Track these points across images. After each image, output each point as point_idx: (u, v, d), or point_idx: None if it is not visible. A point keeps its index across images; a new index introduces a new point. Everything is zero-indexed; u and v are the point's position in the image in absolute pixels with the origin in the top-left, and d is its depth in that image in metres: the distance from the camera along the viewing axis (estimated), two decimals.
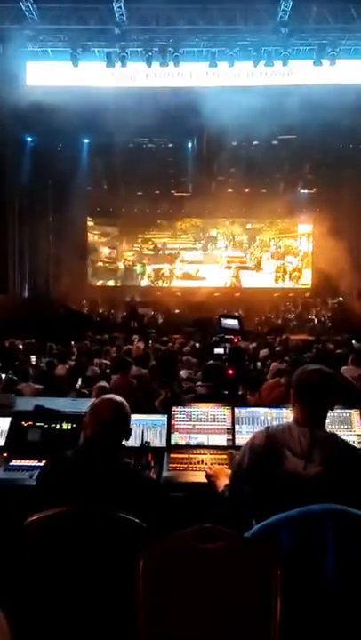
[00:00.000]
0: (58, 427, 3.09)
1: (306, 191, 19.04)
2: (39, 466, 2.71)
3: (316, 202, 18.97)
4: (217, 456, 2.94)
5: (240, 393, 4.77)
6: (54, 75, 12.23)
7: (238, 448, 2.43)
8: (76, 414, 3.06)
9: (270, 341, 10.83)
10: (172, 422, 3.11)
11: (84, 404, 2.26)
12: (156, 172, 17.52)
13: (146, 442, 2.96)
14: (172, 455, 2.96)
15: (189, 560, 1.51)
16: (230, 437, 3.07)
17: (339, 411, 3.04)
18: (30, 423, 3.11)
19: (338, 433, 2.21)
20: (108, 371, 6.92)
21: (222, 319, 6.14)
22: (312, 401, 2.01)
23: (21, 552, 1.65)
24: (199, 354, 8.96)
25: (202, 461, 2.89)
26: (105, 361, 7.87)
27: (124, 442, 2.09)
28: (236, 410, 3.15)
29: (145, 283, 20.91)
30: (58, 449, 2.24)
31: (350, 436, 2.94)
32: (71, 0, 11.22)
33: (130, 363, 5.98)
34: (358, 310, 14.37)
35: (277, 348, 9.71)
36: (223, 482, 2.23)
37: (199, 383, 4.77)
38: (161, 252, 20.90)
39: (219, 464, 2.77)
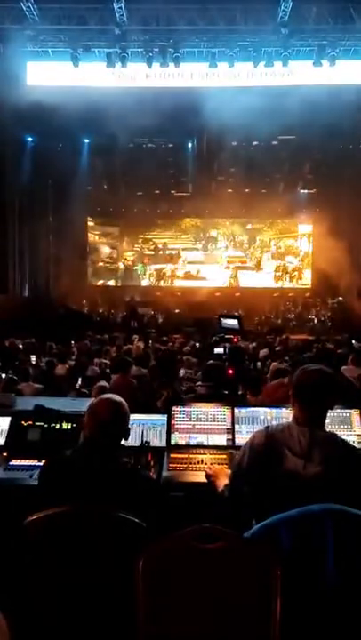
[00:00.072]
0: (58, 426, 3.09)
1: (306, 191, 19.06)
2: (39, 465, 2.71)
3: (315, 202, 18.99)
4: (217, 456, 2.94)
5: (240, 393, 4.77)
6: (55, 75, 12.24)
7: (238, 448, 2.42)
8: (76, 414, 3.06)
9: (270, 341, 10.84)
10: (172, 422, 3.11)
11: (84, 404, 2.26)
12: (156, 172, 17.53)
13: (146, 441, 2.96)
14: (171, 455, 2.95)
15: (189, 560, 1.51)
16: (230, 437, 3.06)
17: (338, 411, 3.04)
18: (30, 423, 3.11)
19: (338, 433, 2.21)
20: (107, 370, 6.93)
21: (222, 319, 6.13)
22: (312, 401, 2.01)
23: (21, 552, 1.65)
24: (199, 354, 8.97)
25: (202, 461, 2.89)
26: (105, 361, 7.88)
27: (123, 441, 2.09)
28: (236, 410, 3.15)
29: (146, 283, 20.92)
30: (58, 449, 2.23)
31: (350, 436, 2.94)
32: (72, 0, 11.22)
33: (130, 362, 5.98)
34: (358, 310, 14.38)
35: (277, 348, 9.72)
36: (223, 482, 2.23)
37: (199, 383, 4.77)
38: (161, 253, 20.91)
39: (218, 464, 2.77)
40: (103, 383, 5.46)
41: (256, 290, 19.43)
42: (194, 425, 3.11)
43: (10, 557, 1.68)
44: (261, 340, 11.11)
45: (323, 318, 16.81)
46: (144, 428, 3.05)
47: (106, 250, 21.04)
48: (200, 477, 2.53)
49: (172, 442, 3.05)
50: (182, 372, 6.84)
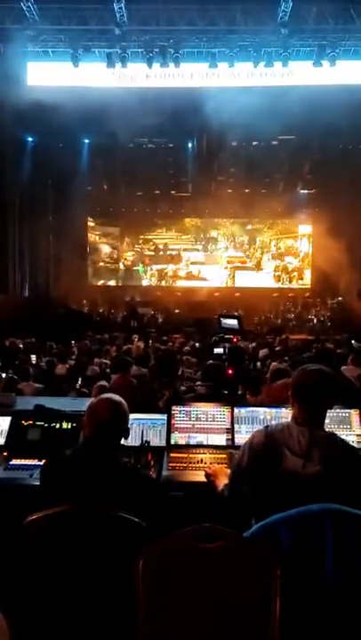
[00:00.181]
0: (58, 426, 3.09)
1: (305, 191, 19.07)
2: (39, 465, 2.71)
3: (315, 202, 19.01)
4: (216, 455, 2.94)
5: (240, 393, 4.77)
6: (55, 75, 12.25)
7: (238, 447, 2.43)
8: (76, 413, 3.06)
9: (270, 341, 10.85)
10: (172, 422, 3.11)
11: (84, 404, 2.26)
12: (156, 172, 17.55)
13: (145, 441, 2.96)
14: (171, 454, 2.96)
15: (189, 560, 1.51)
16: (230, 437, 3.07)
17: (338, 410, 3.05)
18: (30, 422, 3.11)
19: (337, 433, 2.21)
20: (107, 370, 6.92)
21: (222, 319, 6.13)
22: (311, 401, 2.01)
23: (21, 552, 1.65)
24: (199, 353, 8.97)
25: (201, 461, 2.89)
26: (105, 360, 7.88)
27: (123, 441, 2.09)
28: (236, 409, 3.16)
29: (146, 283, 20.93)
30: (58, 448, 2.23)
31: (350, 436, 2.95)
32: (72, 0, 11.22)
33: (130, 362, 5.98)
34: (358, 310, 14.38)
35: (277, 348, 9.73)
36: (223, 481, 2.23)
37: (199, 383, 4.77)
38: (162, 253, 20.92)
39: (218, 463, 2.77)
40: (103, 383, 5.45)
41: (256, 290, 19.44)
42: (194, 425, 3.11)
43: (10, 557, 1.68)
44: (261, 340, 11.12)
45: (322, 318, 16.82)
46: (144, 428, 3.05)
47: (106, 250, 21.05)
48: (200, 477, 2.53)
49: (172, 441, 3.06)
50: (180, 371, 6.83)
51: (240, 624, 1.51)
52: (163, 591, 1.50)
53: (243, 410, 3.16)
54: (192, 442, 3.06)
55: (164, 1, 11.14)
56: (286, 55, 11.59)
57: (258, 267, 20.48)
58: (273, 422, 2.88)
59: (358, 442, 2.95)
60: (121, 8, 10.93)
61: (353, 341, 9.88)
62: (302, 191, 19.02)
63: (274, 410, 3.14)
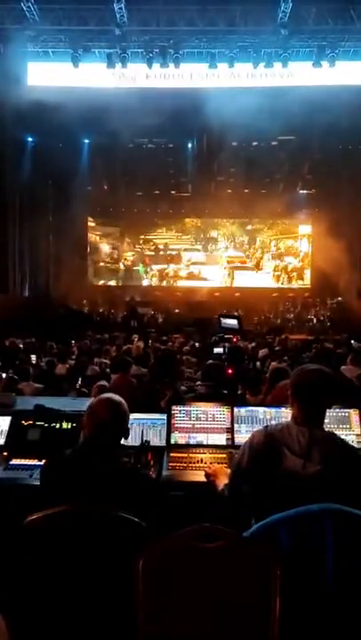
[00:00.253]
0: (58, 426, 3.09)
1: (305, 191, 19.07)
2: (39, 465, 2.71)
3: (315, 202, 19.01)
4: (216, 455, 2.94)
5: (239, 392, 4.77)
6: (55, 75, 12.26)
7: (238, 447, 2.43)
8: (77, 413, 3.06)
9: (270, 341, 10.86)
10: (172, 421, 3.11)
11: (84, 404, 2.26)
12: (156, 172, 17.56)
13: (145, 441, 2.96)
14: (171, 454, 2.96)
15: (189, 560, 1.51)
16: (230, 437, 3.07)
17: (337, 410, 3.05)
18: (30, 422, 3.10)
19: (337, 432, 2.21)
20: (107, 370, 6.92)
21: (222, 319, 6.14)
22: (311, 400, 2.02)
23: (21, 552, 1.65)
24: (199, 353, 8.97)
25: (201, 460, 2.89)
26: (105, 360, 7.88)
27: (123, 441, 2.09)
28: (236, 409, 3.16)
29: (147, 283, 20.94)
30: (58, 448, 2.24)
31: (349, 436, 2.95)
32: (72, 1, 11.23)
33: (130, 362, 5.98)
34: (357, 310, 14.39)
35: (277, 348, 9.74)
36: (223, 481, 2.23)
37: (199, 382, 4.77)
38: (162, 253, 20.93)
39: (218, 463, 2.77)
40: (103, 383, 5.45)
41: (256, 290, 19.45)
42: (193, 424, 3.12)
43: (10, 557, 1.68)
44: (261, 340, 11.12)
45: (322, 318, 16.83)
46: (144, 428, 3.05)
47: (106, 250, 21.06)
48: (200, 477, 2.53)
49: (172, 441, 3.06)
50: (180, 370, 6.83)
51: (240, 624, 1.51)
52: (163, 591, 1.50)
53: (243, 409, 3.16)
54: (192, 442, 3.06)
55: (164, 1, 11.16)
56: (286, 56, 11.61)
57: (258, 267, 20.49)
58: (273, 422, 2.88)
59: (358, 442, 2.95)
60: (121, 8, 10.94)
61: (352, 341, 9.89)
62: (302, 191, 19.03)
63: (274, 409, 3.14)
